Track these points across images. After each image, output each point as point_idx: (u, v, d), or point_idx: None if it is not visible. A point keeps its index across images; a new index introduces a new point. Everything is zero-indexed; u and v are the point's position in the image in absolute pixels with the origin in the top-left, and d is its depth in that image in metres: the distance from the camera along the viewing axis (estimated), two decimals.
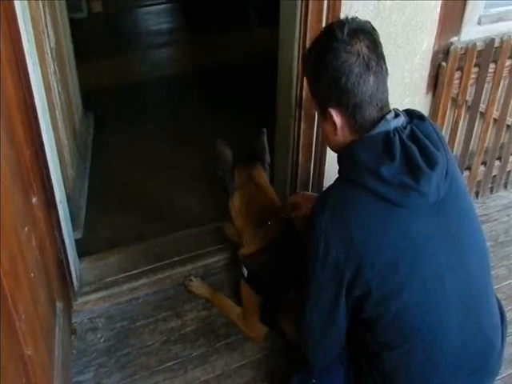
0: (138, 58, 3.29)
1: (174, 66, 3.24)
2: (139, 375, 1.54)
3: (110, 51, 3.34)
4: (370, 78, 1.05)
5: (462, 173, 2.06)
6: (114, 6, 3.82)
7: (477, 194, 2.18)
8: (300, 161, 1.82)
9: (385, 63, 1.09)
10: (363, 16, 1.59)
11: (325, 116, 1.14)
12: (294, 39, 1.62)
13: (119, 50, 3.36)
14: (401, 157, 1.04)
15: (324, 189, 1.22)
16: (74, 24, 2.41)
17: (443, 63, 1.78)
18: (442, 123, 1.89)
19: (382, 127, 1.08)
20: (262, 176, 1.62)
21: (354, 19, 1.10)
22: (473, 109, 1.92)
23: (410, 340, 1.11)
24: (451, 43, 1.77)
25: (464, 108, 1.89)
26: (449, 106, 1.87)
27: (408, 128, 1.09)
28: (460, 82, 1.82)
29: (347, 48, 1.04)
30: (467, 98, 1.87)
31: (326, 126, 1.16)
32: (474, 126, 1.96)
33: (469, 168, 2.09)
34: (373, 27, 1.11)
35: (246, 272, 1.55)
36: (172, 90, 2.96)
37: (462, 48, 1.75)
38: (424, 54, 1.77)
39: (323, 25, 1.55)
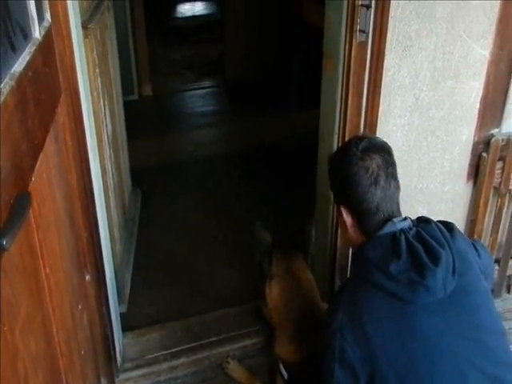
0: (183, 137, 3.50)
1: (216, 146, 3.41)
2: None
3: (157, 131, 3.57)
4: (377, 192, 1.16)
5: (508, 260, 2.01)
6: (163, 89, 4.17)
7: None
8: (338, 245, 1.85)
9: (395, 180, 1.20)
10: (402, 110, 1.69)
11: (339, 211, 1.25)
12: (334, 132, 1.70)
13: (166, 130, 3.59)
14: (407, 255, 1.12)
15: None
16: (125, 106, 2.58)
17: (484, 154, 1.80)
18: (485, 211, 1.89)
19: (389, 228, 1.17)
20: (304, 270, 1.58)
21: (370, 139, 1.24)
22: None
23: None
24: (492, 135, 1.79)
25: (507, 196, 1.90)
26: (491, 194, 1.88)
27: (414, 230, 1.17)
28: (502, 172, 1.83)
29: (359, 163, 1.17)
30: (510, 186, 1.88)
31: (341, 222, 1.27)
32: None
33: None
34: (387, 148, 1.23)
35: (285, 374, 1.49)
36: (214, 169, 3.10)
37: (503, 140, 1.78)
38: (464, 145, 1.79)
39: (362, 119, 1.64)
